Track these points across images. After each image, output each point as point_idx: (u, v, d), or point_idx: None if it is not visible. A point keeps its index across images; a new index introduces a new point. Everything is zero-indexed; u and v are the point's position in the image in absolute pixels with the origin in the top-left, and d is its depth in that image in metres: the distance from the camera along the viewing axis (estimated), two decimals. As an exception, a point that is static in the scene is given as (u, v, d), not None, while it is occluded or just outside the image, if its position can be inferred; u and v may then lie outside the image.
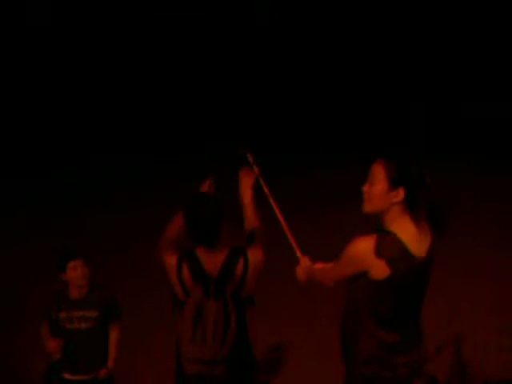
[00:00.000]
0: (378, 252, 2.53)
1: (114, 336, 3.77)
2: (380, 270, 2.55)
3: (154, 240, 3.20)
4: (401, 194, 2.56)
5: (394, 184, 2.57)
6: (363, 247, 2.57)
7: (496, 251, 6.60)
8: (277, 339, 5.07)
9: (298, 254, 3.18)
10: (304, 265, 3.14)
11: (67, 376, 3.71)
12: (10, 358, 4.97)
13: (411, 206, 2.58)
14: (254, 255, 3.04)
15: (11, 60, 12.37)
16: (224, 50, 13.21)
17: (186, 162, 10.06)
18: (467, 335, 4.90)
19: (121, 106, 12.57)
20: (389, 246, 2.54)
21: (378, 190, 2.61)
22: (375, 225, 2.65)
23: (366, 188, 2.67)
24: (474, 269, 6.20)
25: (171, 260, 3.02)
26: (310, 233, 6.83)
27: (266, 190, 3.34)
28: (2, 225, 7.87)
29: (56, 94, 12.58)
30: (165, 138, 11.45)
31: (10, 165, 10.37)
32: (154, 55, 13.26)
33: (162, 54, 13.26)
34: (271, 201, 3.31)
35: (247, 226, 3.24)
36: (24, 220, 8.09)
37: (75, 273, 3.60)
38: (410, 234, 2.57)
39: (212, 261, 3.00)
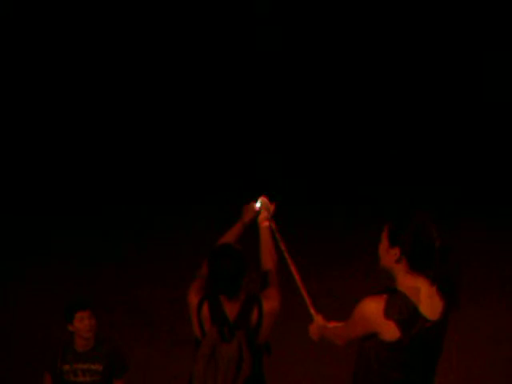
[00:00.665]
0: (387, 313, 2.46)
1: None
2: (390, 331, 2.47)
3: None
4: (395, 253, 2.52)
5: (391, 243, 2.54)
6: (372, 308, 2.50)
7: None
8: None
9: (312, 311, 3.15)
10: (317, 323, 3.10)
11: None
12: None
13: (414, 268, 2.51)
14: (269, 304, 3.13)
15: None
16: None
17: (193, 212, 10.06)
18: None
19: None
20: (399, 306, 2.47)
21: (381, 247, 2.60)
22: (388, 285, 2.58)
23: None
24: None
25: (194, 299, 3.16)
26: (328, 289, 6.81)
27: (281, 245, 3.35)
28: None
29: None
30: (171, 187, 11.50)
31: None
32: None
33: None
34: (287, 256, 3.30)
35: (264, 263, 3.33)
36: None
37: (82, 324, 3.54)
38: (421, 296, 2.50)
39: (230, 305, 3.10)
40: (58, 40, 12.55)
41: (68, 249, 8.44)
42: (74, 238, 8.95)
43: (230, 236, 3.40)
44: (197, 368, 3.01)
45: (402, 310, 2.46)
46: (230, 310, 3.10)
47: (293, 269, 3.25)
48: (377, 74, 12.95)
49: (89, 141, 12.36)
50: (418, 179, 11.14)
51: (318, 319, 3.10)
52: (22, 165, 11.50)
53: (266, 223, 3.40)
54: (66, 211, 10.15)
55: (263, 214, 3.41)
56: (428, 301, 2.51)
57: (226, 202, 8.87)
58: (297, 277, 3.23)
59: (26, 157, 11.76)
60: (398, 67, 12.89)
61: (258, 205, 3.44)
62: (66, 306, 3.64)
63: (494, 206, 9.92)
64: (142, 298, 6.93)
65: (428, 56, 12.86)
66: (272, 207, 3.46)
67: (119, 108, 12.88)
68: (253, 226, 3.46)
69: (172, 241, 8.84)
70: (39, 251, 8.42)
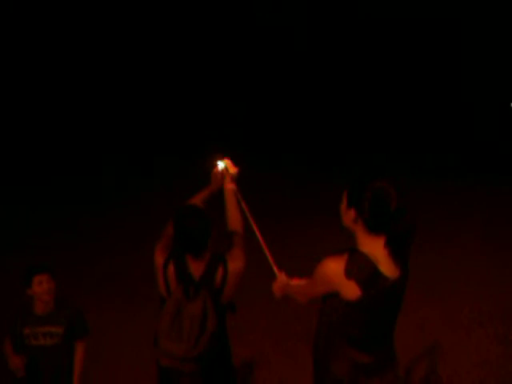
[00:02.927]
0: (348, 273, 2.48)
1: (79, 353, 3.66)
2: (351, 290, 2.50)
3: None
4: (351, 214, 2.56)
5: (348, 204, 2.59)
6: (333, 267, 2.52)
7: (466, 272, 6.63)
8: (248, 353, 4.97)
9: (275, 269, 3.19)
10: (280, 280, 3.14)
11: None
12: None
13: (370, 229, 2.54)
14: (234, 264, 3.15)
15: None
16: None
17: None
18: (436, 356, 4.90)
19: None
20: (359, 266, 2.49)
21: (341, 208, 2.64)
22: (350, 245, 2.61)
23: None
24: (442, 288, 6.23)
25: (160, 259, 3.18)
26: (290, 246, 6.86)
27: (243, 204, 3.37)
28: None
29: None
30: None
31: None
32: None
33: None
34: (248, 215, 3.34)
35: (229, 224, 3.36)
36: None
37: (41, 288, 3.50)
38: (381, 255, 2.52)
39: (196, 265, 3.13)
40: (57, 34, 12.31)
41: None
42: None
43: (196, 200, 3.40)
44: (162, 326, 3.03)
45: (363, 269, 2.49)
46: (196, 269, 3.12)
47: (255, 228, 3.28)
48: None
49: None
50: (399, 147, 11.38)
51: (281, 277, 3.14)
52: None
53: (230, 186, 3.40)
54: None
55: (227, 177, 3.42)
56: (387, 260, 2.53)
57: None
58: (259, 236, 3.25)
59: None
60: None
61: (220, 165, 3.44)
62: (25, 270, 3.58)
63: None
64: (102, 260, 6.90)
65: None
66: (235, 170, 3.46)
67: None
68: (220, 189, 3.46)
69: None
70: None
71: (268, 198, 8.75)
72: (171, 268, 3.12)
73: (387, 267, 2.53)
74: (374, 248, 2.53)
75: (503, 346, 5.05)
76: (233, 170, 3.45)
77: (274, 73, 13.18)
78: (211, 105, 12.76)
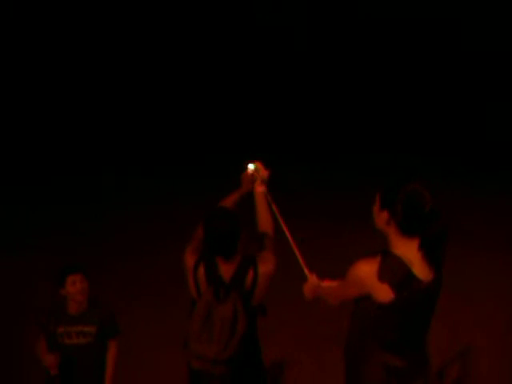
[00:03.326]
0: (381, 275, 2.47)
1: (111, 353, 3.70)
2: (384, 293, 2.49)
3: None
4: (384, 216, 2.56)
5: (381, 205, 2.58)
6: (366, 270, 2.52)
7: (502, 275, 6.54)
8: (279, 355, 4.97)
9: (306, 271, 3.19)
10: (311, 282, 3.13)
11: None
12: (7, 371, 4.89)
13: (403, 231, 2.53)
14: (265, 266, 3.16)
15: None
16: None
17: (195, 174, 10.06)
18: (468, 359, 4.86)
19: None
20: (392, 268, 2.48)
21: (374, 209, 2.64)
22: (382, 247, 2.61)
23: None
24: (477, 292, 6.12)
25: (190, 261, 3.20)
26: (321, 248, 6.84)
27: (274, 206, 3.38)
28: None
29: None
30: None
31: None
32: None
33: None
34: (279, 217, 3.34)
35: (260, 227, 3.37)
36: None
37: (74, 288, 3.54)
38: (414, 257, 2.51)
39: (226, 267, 3.14)
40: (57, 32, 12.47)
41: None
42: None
43: (226, 203, 3.41)
44: (192, 328, 3.04)
45: (396, 272, 2.48)
46: (226, 271, 3.13)
47: (286, 230, 3.28)
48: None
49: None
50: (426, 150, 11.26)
51: (312, 278, 3.13)
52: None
53: (261, 188, 3.41)
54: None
55: (258, 180, 3.42)
56: (420, 263, 2.52)
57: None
58: (290, 238, 3.25)
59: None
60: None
61: (251, 168, 3.45)
62: (58, 270, 3.63)
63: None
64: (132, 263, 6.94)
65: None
66: (266, 173, 3.45)
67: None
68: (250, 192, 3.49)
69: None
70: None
71: (298, 199, 8.71)
72: (201, 270, 3.15)
73: (421, 270, 2.51)
74: (408, 250, 2.51)
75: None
76: (263, 172, 3.44)
77: (274, 74, 13.10)
78: (213, 105, 12.70)
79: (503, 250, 7.26)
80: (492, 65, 12.64)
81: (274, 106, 12.89)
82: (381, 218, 2.59)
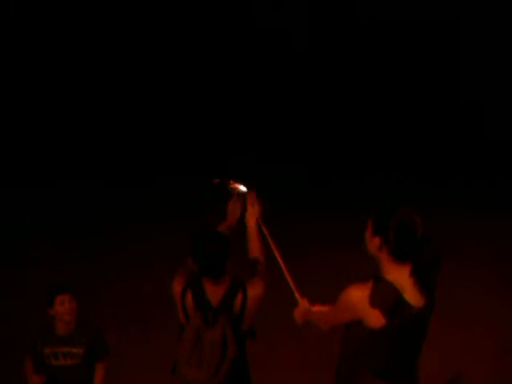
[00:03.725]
0: (373, 301, 2.46)
1: (99, 375, 3.65)
2: (375, 319, 2.47)
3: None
4: (376, 242, 2.55)
5: (373, 231, 2.57)
6: (357, 295, 2.51)
7: (492, 298, 6.52)
8: (270, 381, 4.87)
9: (297, 295, 3.16)
10: (302, 307, 3.11)
11: None
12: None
13: (395, 257, 2.52)
14: (254, 290, 3.13)
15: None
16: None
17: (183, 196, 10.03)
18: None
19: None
20: (384, 294, 2.47)
21: (366, 234, 2.62)
22: (373, 273, 2.60)
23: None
24: (467, 316, 6.08)
25: (178, 287, 3.17)
26: (313, 275, 6.81)
27: (265, 230, 3.34)
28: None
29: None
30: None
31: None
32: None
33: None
34: (270, 241, 3.31)
35: (251, 253, 3.34)
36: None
37: (63, 307, 3.51)
38: (406, 283, 2.50)
39: (214, 290, 3.11)
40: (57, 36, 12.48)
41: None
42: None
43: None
44: (182, 353, 3.01)
45: (387, 297, 2.47)
46: (214, 295, 3.10)
47: (277, 254, 3.25)
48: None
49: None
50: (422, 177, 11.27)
51: (303, 303, 3.11)
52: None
53: (253, 222, 3.35)
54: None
55: (250, 211, 3.37)
56: (412, 289, 2.51)
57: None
58: (281, 262, 3.22)
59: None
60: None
61: (242, 190, 3.41)
62: (47, 289, 3.60)
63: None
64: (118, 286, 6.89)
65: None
66: (258, 208, 3.38)
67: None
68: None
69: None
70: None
71: (288, 223, 8.69)
72: (189, 295, 3.11)
73: (412, 296, 2.50)
74: (399, 276, 2.51)
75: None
76: (257, 206, 3.37)
77: (275, 76, 13.07)
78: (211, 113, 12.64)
79: (491, 270, 7.27)
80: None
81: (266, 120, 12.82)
82: (373, 243, 2.58)
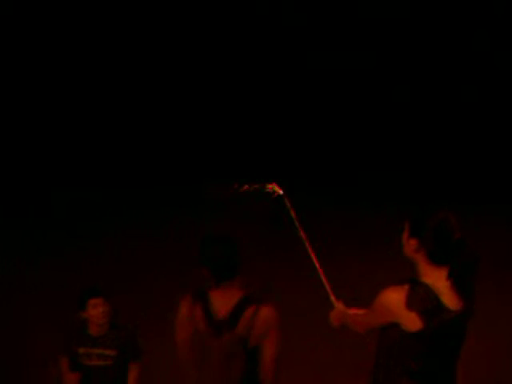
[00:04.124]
0: (409, 304, 2.48)
1: (132, 376, 3.70)
2: (412, 322, 2.49)
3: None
4: (413, 244, 2.57)
5: (410, 233, 2.60)
6: (393, 299, 2.53)
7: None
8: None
9: (333, 298, 3.17)
10: (338, 310, 3.12)
11: None
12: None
13: (432, 260, 2.55)
14: (268, 312, 3.03)
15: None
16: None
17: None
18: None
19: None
20: (421, 297, 2.49)
21: (403, 237, 2.65)
22: (411, 275, 2.62)
23: None
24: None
25: (184, 308, 3.07)
26: (348, 276, 6.77)
27: (302, 234, 3.30)
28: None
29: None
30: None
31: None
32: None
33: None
34: (307, 245, 3.28)
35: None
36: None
37: (96, 311, 3.56)
38: (443, 286, 2.52)
39: (223, 302, 3.04)
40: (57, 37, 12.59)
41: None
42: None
43: None
44: (191, 366, 3.02)
45: (425, 301, 2.48)
46: (223, 306, 3.02)
47: (313, 257, 3.24)
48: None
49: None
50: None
51: (339, 306, 3.12)
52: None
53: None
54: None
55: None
56: (449, 292, 2.52)
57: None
58: (317, 265, 3.22)
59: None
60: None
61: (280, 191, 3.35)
62: (79, 293, 3.66)
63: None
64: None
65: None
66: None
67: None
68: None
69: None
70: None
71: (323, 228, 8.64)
72: (198, 307, 3.03)
73: (450, 299, 2.51)
74: (436, 279, 2.52)
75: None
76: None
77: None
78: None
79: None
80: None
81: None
82: (409, 246, 2.60)
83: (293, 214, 3.34)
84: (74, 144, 12.01)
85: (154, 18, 12.83)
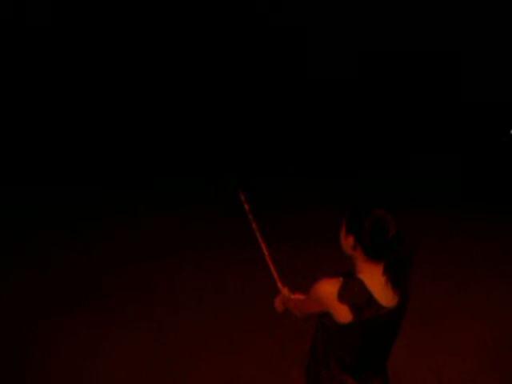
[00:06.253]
0: (341, 296, 2.53)
1: None
2: (342, 313, 2.55)
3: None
4: (350, 241, 2.62)
5: (347, 231, 2.64)
6: (326, 289, 2.57)
7: (463, 291, 6.61)
8: (239, 375, 4.91)
9: (279, 284, 3.25)
10: (282, 295, 3.20)
11: None
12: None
13: (369, 256, 2.59)
14: None
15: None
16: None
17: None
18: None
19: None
20: (353, 291, 2.54)
21: (340, 234, 2.69)
22: (348, 270, 2.68)
23: None
24: (438, 312, 6.13)
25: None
26: (297, 265, 6.93)
27: (253, 225, 3.40)
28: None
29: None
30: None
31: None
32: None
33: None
34: (258, 235, 3.36)
35: None
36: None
37: None
38: (377, 283, 2.57)
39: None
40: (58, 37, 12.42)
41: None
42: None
43: None
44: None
45: (357, 295, 2.54)
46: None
47: (262, 245, 3.33)
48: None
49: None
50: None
51: (284, 291, 3.20)
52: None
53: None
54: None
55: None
56: (384, 288, 2.58)
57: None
58: (266, 253, 3.31)
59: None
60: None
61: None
62: None
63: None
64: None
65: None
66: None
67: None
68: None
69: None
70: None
71: (277, 217, 8.77)
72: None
73: (384, 295, 2.57)
74: (372, 275, 2.58)
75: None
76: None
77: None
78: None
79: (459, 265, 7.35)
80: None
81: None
82: (347, 242, 2.64)
83: (246, 207, 3.42)
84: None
85: (154, 18, 12.78)
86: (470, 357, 5.27)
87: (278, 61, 13.15)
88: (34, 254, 7.65)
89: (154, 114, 12.95)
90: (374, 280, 2.58)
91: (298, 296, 3.13)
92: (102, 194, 10.59)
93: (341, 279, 2.58)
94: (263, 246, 3.35)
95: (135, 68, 12.94)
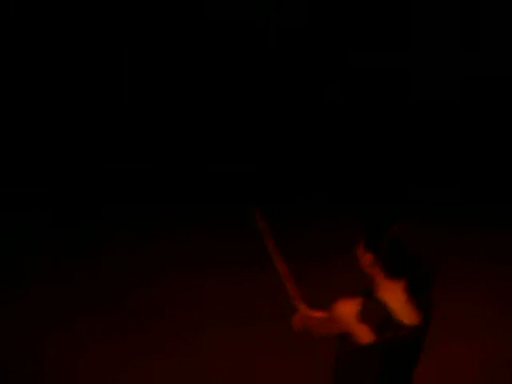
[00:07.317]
0: (362, 317, 2.49)
1: None
2: (363, 334, 2.51)
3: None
4: (368, 258, 2.58)
5: (365, 247, 2.60)
6: (346, 311, 2.53)
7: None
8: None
9: (297, 302, 3.16)
10: (301, 313, 3.13)
11: None
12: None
13: (388, 273, 2.55)
14: None
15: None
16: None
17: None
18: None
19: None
20: (373, 311, 2.50)
21: (357, 251, 2.65)
22: (367, 288, 2.64)
23: None
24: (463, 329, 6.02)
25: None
26: (313, 280, 6.83)
27: (270, 244, 3.26)
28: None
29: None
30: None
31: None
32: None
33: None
34: (275, 252, 3.25)
35: None
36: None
37: None
38: (398, 301, 2.53)
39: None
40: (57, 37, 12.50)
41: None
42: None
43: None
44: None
45: (377, 314, 2.50)
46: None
47: (279, 262, 3.23)
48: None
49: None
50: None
51: (302, 309, 3.13)
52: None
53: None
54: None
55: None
56: (405, 306, 2.54)
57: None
58: (283, 269, 3.22)
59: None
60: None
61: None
62: None
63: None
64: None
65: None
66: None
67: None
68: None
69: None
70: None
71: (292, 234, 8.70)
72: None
73: (404, 313, 2.53)
74: (392, 293, 2.54)
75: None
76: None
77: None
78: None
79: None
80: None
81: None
82: (365, 259, 2.60)
83: (262, 224, 3.29)
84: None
85: (153, 19, 12.84)
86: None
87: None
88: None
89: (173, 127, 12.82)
90: (395, 298, 2.53)
91: (318, 314, 3.06)
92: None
93: (360, 298, 2.54)
94: (280, 261, 3.23)
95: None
